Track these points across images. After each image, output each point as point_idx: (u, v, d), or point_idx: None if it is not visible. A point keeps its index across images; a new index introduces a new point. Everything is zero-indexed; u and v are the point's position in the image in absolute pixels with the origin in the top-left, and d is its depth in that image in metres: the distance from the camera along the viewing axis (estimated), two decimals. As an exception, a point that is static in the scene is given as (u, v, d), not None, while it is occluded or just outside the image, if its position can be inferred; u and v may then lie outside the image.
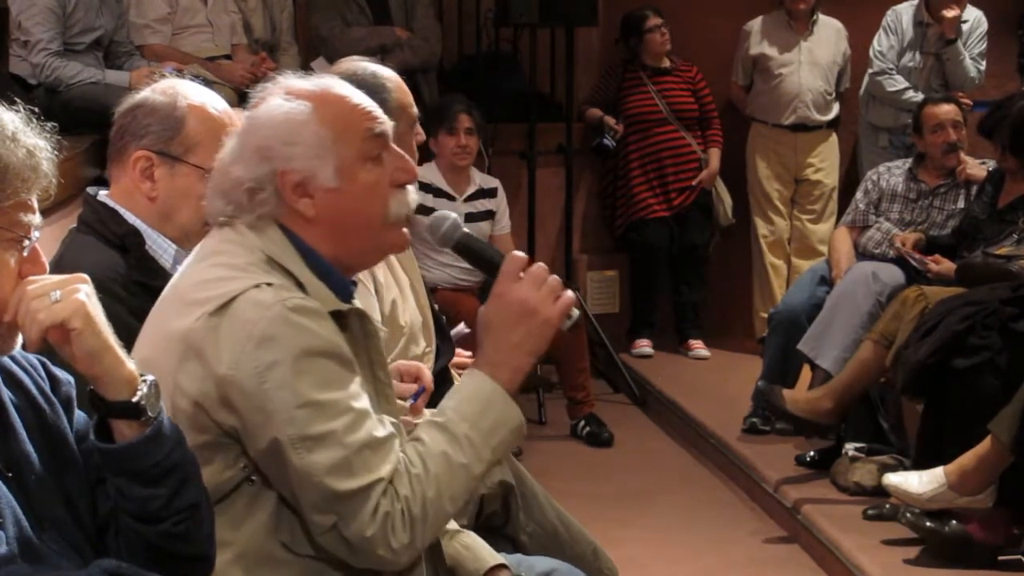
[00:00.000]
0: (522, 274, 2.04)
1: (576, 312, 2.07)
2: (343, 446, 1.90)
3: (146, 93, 2.56)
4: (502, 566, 2.31)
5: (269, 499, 1.96)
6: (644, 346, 6.88)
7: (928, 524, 4.03)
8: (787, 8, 6.76)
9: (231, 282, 1.95)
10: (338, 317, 1.99)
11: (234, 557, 1.94)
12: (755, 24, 6.86)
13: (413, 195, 2.10)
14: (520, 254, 2.08)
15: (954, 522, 4.03)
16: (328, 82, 2.10)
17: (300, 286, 1.99)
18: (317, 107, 2.03)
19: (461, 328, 3.32)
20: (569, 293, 2.06)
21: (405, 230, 2.09)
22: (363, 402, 1.95)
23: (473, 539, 2.37)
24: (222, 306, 1.92)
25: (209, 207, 2.07)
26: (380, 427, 1.95)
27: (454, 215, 2.17)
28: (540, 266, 2.05)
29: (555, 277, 2.06)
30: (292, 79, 2.10)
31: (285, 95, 2.05)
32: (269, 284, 1.94)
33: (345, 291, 2.08)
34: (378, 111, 2.08)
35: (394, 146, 2.08)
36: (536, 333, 2.03)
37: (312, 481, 1.89)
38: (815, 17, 6.76)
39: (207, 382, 1.91)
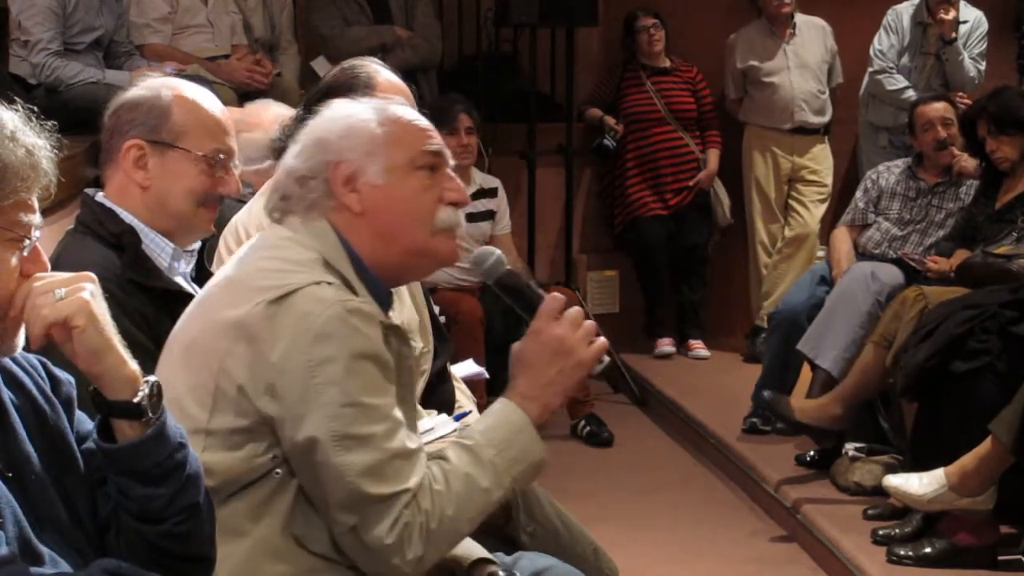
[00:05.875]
0: (561, 314, 2.09)
1: (607, 359, 2.12)
2: (380, 451, 1.93)
3: (129, 92, 2.60)
4: (488, 561, 2.32)
5: (289, 493, 1.98)
6: (666, 345, 6.84)
7: (913, 554, 4.03)
8: (768, 15, 6.77)
9: (292, 275, 1.99)
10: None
11: (247, 547, 1.96)
12: (738, 37, 6.88)
13: (462, 219, 2.15)
14: (560, 295, 2.12)
15: (936, 541, 4.04)
16: (393, 102, 2.23)
17: (353, 291, 2.03)
18: (378, 112, 2.13)
19: (481, 371, 3.33)
20: (603, 340, 2.11)
21: (458, 241, 2.15)
22: (399, 413, 1.99)
23: None
24: (282, 296, 1.95)
25: (267, 201, 2.14)
26: (411, 439, 1.99)
27: (499, 252, 2.22)
28: (577, 310, 2.10)
29: (591, 322, 2.11)
30: (361, 98, 2.23)
31: (351, 100, 2.18)
32: (329, 283, 1.98)
33: (386, 304, 2.11)
34: (436, 134, 2.17)
35: (451, 172, 2.15)
36: (569, 373, 2.08)
37: (344, 480, 1.92)
38: (795, 20, 6.77)
39: (256, 368, 1.94)
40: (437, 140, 2.15)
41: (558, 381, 2.07)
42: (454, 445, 2.05)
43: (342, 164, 2.07)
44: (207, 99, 2.61)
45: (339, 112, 2.13)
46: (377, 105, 2.15)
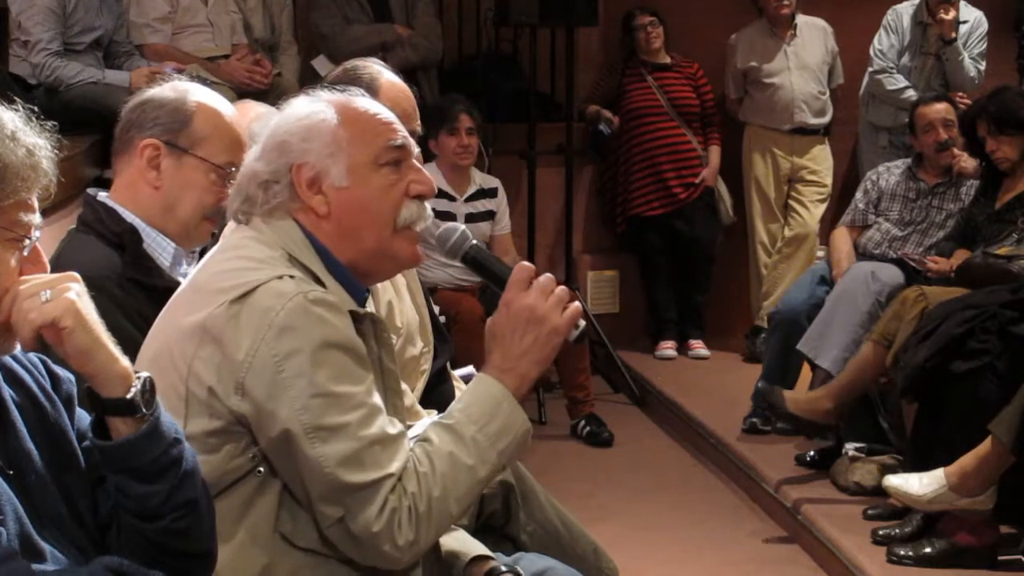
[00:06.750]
0: (530, 284, 2.07)
1: (583, 323, 2.10)
2: (355, 439, 1.92)
3: (155, 90, 2.61)
4: (487, 557, 2.32)
5: (273, 491, 1.98)
6: (668, 348, 6.83)
7: (913, 554, 4.04)
8: (769, 15, 6.77)
9: (253, 272, 1.98)
10: (353, 320, 2.01)
11: (233, 549, 1.95)
12: (739, 37, 6.88)
13: (428, 210, 2.13)
14: (528, 264, 2.11)
15: (936, 541, 4.04)
16: (355, 95, 2.15)
17: (319, 283, 2.01)
18: (339, 110, 2.08)
19: (470, 370, 3.34)
20: (576, 304, 2.09)
21: (419, 246, 2.13)
22: (376, 399, 1.98)
23: (461, 532, 2.39)
24: (243, 295, 1.95)
25: (229, 205, 2.12)
26: (391, 425, 1.97)
27: (463, 227, 2.21)
28: (548, 276, 2.08)
29: (563, 288, 2.09)
30: (322, 91, 2.15)
31: (311, 99, 2.11)
32: (291, 276, 1.97)
33: (359, 296, 2.10)
34: (400, 126, 2.13)
35: (415, 162, 2.13)
36: (544, 341, 2.06)
37: (323, 472, 1.91)
38: (796, 21, 6.78)
39: (223, 368, 1.94)
40: (400, 133, 2.11)
41: (533, 350, 2.05)
42: (435, 425, 2.04)
43: (304, 167, 2.04)
44: (230, 113, 2.63)
45: (299, 112, 2.09)
46: (338, 101, 2.10)
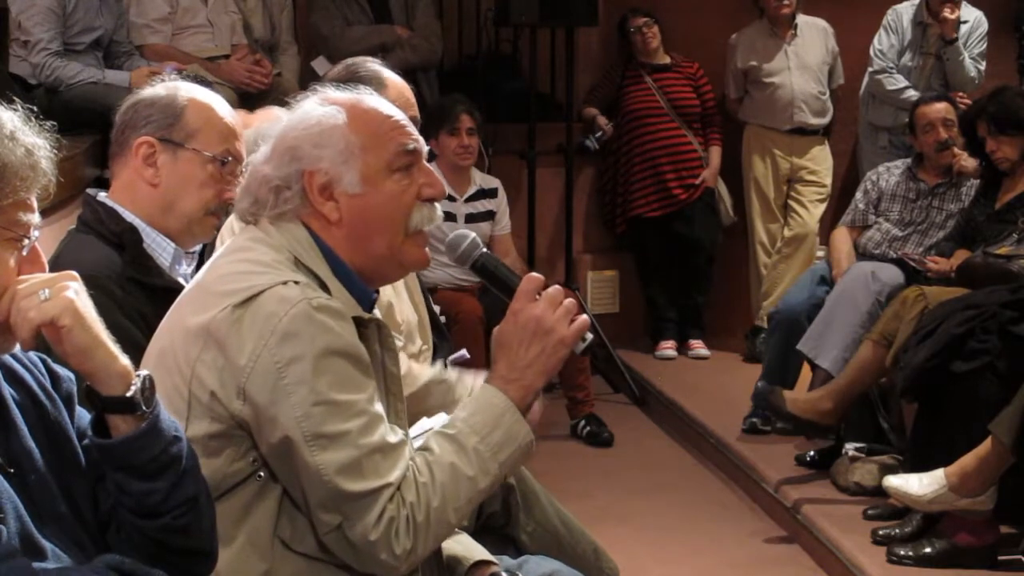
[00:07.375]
0: (538, 294, 2.06)
1: (590, 335, 2.10)
2: (356, 447, 1.91)
3: (146, 91, 2.63)
4: (489, 562, 2.32)
5: (273, 495, 1.98)
6: (668, 348, 6.83)
7: (913, 554, 4.03)
8: (769, 15, 6.77)
9: (257, 277, 1.97)
10: (357, 325, 2.00)
11: (233, 552, 1.95)
12: (739, 37, 6.87)
13: (439, 212, 2.12)
14: (537, 275, 2.10)
15: (936, 541, 4.04)
16: (364, 95, 2.13)
17: (324, 288, 2.00)
18: (350, 114, 2.06)
19: (462, 353, 3.33)
20: (584, 316, 2.08)
21: (427, 249, 2.12)
22: (378, 407, 1.97)
23: (464, 535, 2.39)
24: (247, 299, 1.94)
25: (237, 205, 2.11)
26: (392, 433, 1.97)
27: (473, 234, 2.20)
28: (556, 288, 2.08)
29: (571, 300, 2.08)
30: (331, 90, 2.13)
31: (321, 100, 2.09)
32: (296, 282, 1.96)
33: (366, 300, 2.09)
34: (412, 128, 2.11)
35: (425, 164, 2.11)
36: (550, 352, 2.05)
37: (322, 479, 1.90)
38: (796, 21, 6.77)
39: (226, 372, 1.93)
40: (413, 137, 2.10)
41: (539, 361, 2.05)
42: (437, 435, 2.03)
43: (317, 173, 2.03)
44: (220, 104, 2.64)
45: (311, 115, 2.06)
46: (349, 104, 2.08)
